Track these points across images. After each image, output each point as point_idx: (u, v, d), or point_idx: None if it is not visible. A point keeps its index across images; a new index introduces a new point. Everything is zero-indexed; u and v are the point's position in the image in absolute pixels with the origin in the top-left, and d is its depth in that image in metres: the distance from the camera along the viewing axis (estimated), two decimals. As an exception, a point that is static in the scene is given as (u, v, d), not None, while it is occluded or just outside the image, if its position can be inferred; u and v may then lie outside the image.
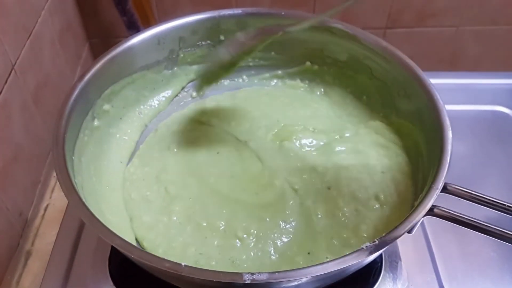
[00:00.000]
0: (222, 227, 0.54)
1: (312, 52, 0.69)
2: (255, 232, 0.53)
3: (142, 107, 0.67)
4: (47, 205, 0.71)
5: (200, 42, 0.68)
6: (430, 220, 0.52)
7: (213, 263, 0.51)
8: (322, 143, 0.63)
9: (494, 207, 0.47)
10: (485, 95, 0.82)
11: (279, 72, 0.73)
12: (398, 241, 0.59)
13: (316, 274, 0.40)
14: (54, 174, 0.76)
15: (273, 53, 0.71)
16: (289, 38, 0.68)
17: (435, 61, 1.17)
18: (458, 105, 0.79)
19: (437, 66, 1.18)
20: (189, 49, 0.68)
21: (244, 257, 0.51)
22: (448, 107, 0.53)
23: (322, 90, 0.71)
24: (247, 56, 0.62)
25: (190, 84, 0.72)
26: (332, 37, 0.66)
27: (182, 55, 0.68)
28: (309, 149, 0.62)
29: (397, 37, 1.09)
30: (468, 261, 0.60)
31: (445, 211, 0.46)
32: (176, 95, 0.71)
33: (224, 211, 0.56)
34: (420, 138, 0.57)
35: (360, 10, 1.05)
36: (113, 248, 0.59)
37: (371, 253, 0.41)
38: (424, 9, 1.05)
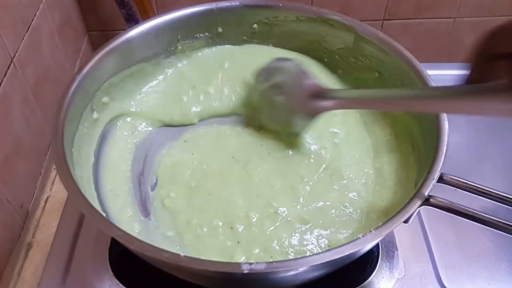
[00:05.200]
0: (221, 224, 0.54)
1: (309, 44, 0.70)
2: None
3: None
4: (47, 197, 0.72)
5: (198, 34, 0.68)
6: (426, 210, 0.52)
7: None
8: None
9: (490, 197, 0.48)
10: (482, 86, 0.82)
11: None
12: (395, 231, 0.60)
13: (313, 264, 0.40)
14: (54, 166, 0.76)
15: (271, 44, 0.71)
16: (287, 30, 0.69)
17: (433, 52, 1.17)
18: (455, 96, 0.80)
19: (434, 57, 1.18)
20: (187, 41, 0.68)
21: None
22: (445, 98, 0.53)
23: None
24: None
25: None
26: (330, 29, 0.66)
27: (180, 47, 0.68)
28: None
29: (394, 29, 1.10)
30: (464, 251, 0.60)
31: (441, 201, 0.46)
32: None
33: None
34: (417, 129, 0.57)
35: (358, 2, 1.05)
36: (113, 239, 0.59)
37: (367, 242, 0.42)
38: (422, 0, 1.05)
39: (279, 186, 0.57)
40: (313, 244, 0.52)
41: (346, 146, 0.61)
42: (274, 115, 0.62)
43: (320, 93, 0.55)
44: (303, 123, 0.58)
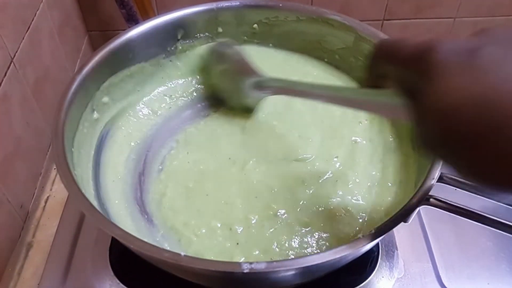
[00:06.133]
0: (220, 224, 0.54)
1: (310, 44, 0.70)
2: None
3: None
4: (47, 197, 0.72)
5: (198, 34, 0.68)
6: (426, 210, 0.52)
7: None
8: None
9: (490, 196, 0.48)
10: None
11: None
12: (395, 230, 0.60)
13: (313, 264, 0.40)
14: (55, 166, 0.76)
15: (270, 44, 0.71)
16: (287, 30, 0.69)
17: (433, 52, 1.17)
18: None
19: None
20: (187, 41, 0.68)
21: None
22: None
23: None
24: None
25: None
26: (330, 29, 0.66)
27: (180, 47, 0.68)
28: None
29: (395, 29, 1.09)
30: (464, 250, 0.60)
31: (441, 200, 0.46)
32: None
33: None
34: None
35: (358, 2, 1.05)
36: (113, 239, 0.59)
37: (367, 242, 0.42)
38: (422, 0, 1.05)
39: (278, 188, 0.56)
40: (313, 246, 0.51)
41: (359, 153, 0.61)
42: (230, 95, 0.66)
43: (258, 83, 0.60)
44: (254, 102, 0.64)
